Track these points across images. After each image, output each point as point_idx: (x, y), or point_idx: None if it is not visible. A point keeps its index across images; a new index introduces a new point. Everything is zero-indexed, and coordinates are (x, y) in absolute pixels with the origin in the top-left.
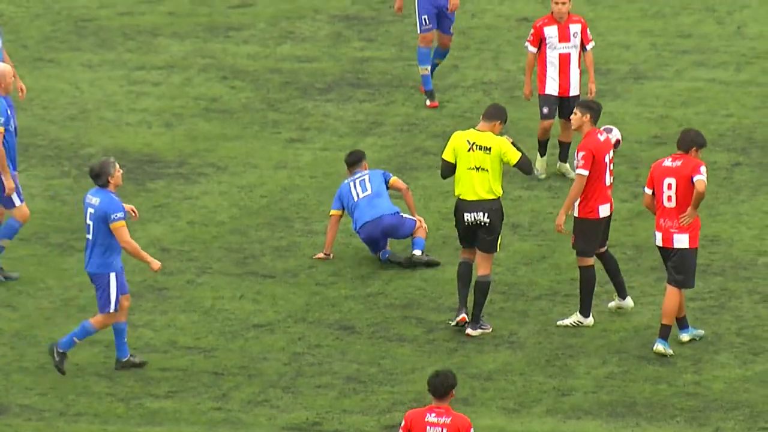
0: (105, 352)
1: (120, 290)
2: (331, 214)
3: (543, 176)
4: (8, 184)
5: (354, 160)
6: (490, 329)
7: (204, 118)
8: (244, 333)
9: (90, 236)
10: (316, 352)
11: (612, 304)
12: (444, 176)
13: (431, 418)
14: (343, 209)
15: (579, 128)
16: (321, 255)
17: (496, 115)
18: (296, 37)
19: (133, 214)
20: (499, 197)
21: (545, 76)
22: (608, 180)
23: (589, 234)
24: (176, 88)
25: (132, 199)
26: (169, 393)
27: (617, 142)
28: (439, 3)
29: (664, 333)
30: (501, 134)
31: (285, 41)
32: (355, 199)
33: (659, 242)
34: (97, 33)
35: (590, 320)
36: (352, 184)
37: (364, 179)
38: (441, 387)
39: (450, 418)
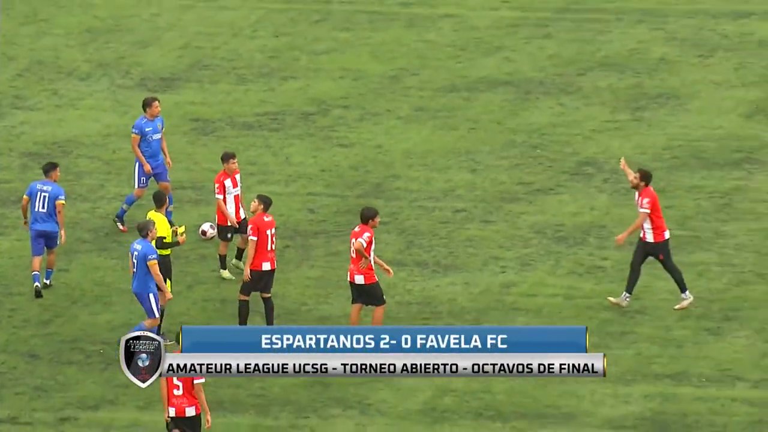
0: None
1: (157, 303)
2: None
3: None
4: None
5: (47, 169)
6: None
7: None
8: None
9: (135, 270)
10: (13, 372)
11: None
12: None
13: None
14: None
15: (254, 211)
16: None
17: (158, 201)
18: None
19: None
20: (164, 254)
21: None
22: (270, 246)
23: (253, 280)
24: None
25: None
26: None
27: (203, 231)
28: (154, 166)
29: None
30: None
31: None
32: (35, 208)
33: (350, 278)
34: None
35: None
36: (38, 193)
37: (45, 196)
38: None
39: None
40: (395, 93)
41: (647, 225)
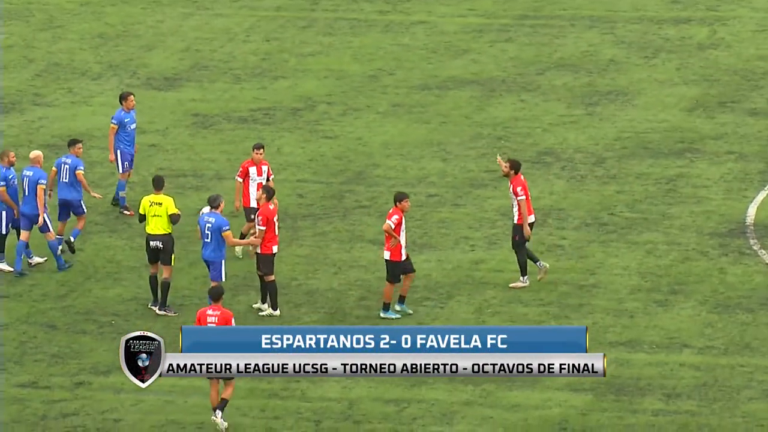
0: None
1: (225, 270)
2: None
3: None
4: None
5: (70, 143)
6: (174, 313)
7: None
8: None
9: (208, 240)
10: (33, 341)
11: (257, 305)
12: (140, 221)
13: (210, 312)
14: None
15: (258, 200)
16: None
17: (159, 184)
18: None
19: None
20: (170, 233)
21: (249, 196)
22: (277, 232)
23: (269, 262)
24: None
25: None
26: None
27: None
28: (132, 153)
29: (386, 306)
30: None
31: None
32: (60, 179)
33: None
34: None
35: (278, 312)
36: (62, 165)
37: (66, 168)
38: (215, 294)
39: (219, 312)
40: (374, 91)
41: (515, 208)
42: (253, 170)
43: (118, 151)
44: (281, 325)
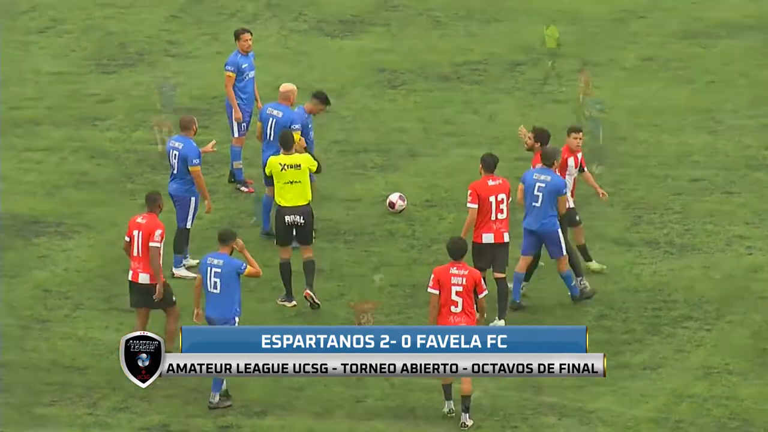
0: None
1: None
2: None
3: None
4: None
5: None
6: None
7: (76, 188)
8: (109, 355)
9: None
10: None
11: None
12: (266, 185)
13: (454, 270)
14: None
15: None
16: None
17: (288, 142)
18: (147, 125)
19: None
20: (310, 203)
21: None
22: (494, 216)
23: (475, 254)
24: (55, 165)
25: (21, 251)
26: (51, 402)
27: (390, 203)
28: (250, 110)
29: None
30: None
31: (138, 128)
32: (266, 138)
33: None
34: None
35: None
36: (269, 119)
37: (273, 122)
38: (457, 251)
39: (467, 271)
40: (619, 40)
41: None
42: (570, 162)
43: (230, 110)
44: None
